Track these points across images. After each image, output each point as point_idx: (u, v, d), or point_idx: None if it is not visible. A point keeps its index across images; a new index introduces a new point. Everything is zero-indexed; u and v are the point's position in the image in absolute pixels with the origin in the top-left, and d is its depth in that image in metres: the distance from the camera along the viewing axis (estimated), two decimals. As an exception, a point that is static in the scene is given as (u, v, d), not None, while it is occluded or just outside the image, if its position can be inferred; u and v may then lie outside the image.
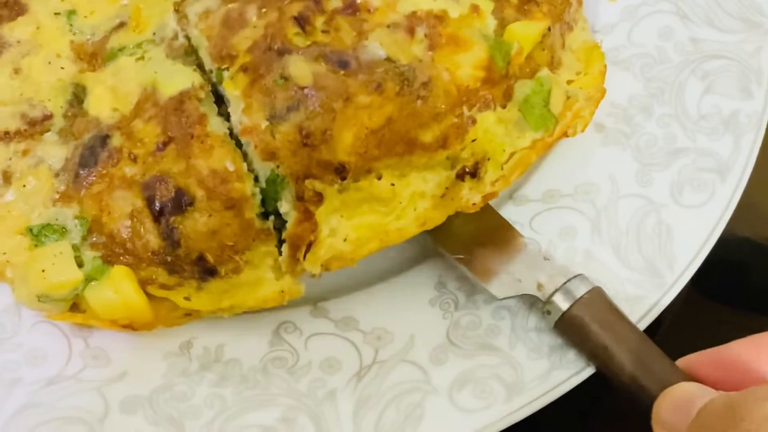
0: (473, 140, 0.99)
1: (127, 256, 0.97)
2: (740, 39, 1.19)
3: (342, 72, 0.96)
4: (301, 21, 0.98)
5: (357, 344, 1.03)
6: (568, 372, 1.00)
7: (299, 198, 0.96)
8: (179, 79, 1.01)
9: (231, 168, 0.97)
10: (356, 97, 0.95)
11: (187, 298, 0.99)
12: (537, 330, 1.03)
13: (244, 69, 0.97)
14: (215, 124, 0.99)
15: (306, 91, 0.95)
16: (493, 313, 1.05)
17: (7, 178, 1.01)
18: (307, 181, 0.95)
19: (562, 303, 0.99)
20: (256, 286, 1.00)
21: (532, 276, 1.02)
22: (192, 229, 0.96)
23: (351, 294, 1.07)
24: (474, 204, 1.00)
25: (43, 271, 0.96)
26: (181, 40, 1.05)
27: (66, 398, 0.98)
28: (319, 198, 0.96)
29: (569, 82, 1.11)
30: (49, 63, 1.05)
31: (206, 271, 0.98)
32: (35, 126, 1.03)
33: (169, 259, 0.97)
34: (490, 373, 1.01)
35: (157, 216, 0.96)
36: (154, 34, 1.06)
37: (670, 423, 0.84)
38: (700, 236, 1.08)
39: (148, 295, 0.98)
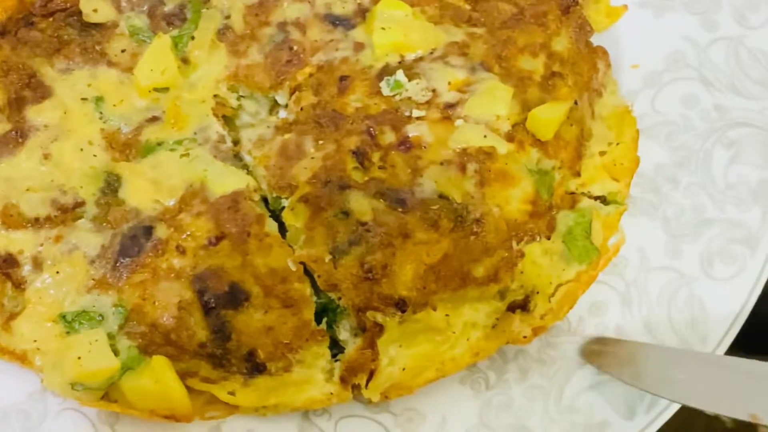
0: (521, 272, 1.00)
1: (168, 347, 0.96)
2: (765, 106, 1.18)
3: (400, 209, 0.98)
4: (360, 156, 1.00)
5: (388, 427, 1.02)
6: (604, 454, 0.99)
7: (361, 328, 0.98)
8: (232, 179, 1.02)
9: (293, 268, 0.98)
10: (414, 234, 0.97)
11: (231, 393, 0.98)
12: (570, 410, 1.02)
13: (304, 200, 0.99)
14: (271, 225, 1.00)
15: (367, 226, 0.97)
16: (524, 393, 1.04)
17: (38, 264, 0.99)
18: (368, 313, 0.97)
19: None
20: (304, 386, 0.99)
21: None
22: (245, 324, 0.96)
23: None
24: (525, 337, 1.01)
25: (79, 358, 0.94)
26: (228, 144, 1.06)
27: (94, 488, 0.97)
28: (380, 329, 0.98)
29: (602, 153, 1.10)
30: (81, 150, 1.04)
31: (255, 367, 0.98)
32: (66, 213, 1.01)
33: (217, 352, 0.97)
34: (525, 457, 0.99)
35: (208, 309, 0.96)
36: (195, 133, 1.06)
37: None
38: (733, 310, 1.07)
39: (186, 388, 0.97)
